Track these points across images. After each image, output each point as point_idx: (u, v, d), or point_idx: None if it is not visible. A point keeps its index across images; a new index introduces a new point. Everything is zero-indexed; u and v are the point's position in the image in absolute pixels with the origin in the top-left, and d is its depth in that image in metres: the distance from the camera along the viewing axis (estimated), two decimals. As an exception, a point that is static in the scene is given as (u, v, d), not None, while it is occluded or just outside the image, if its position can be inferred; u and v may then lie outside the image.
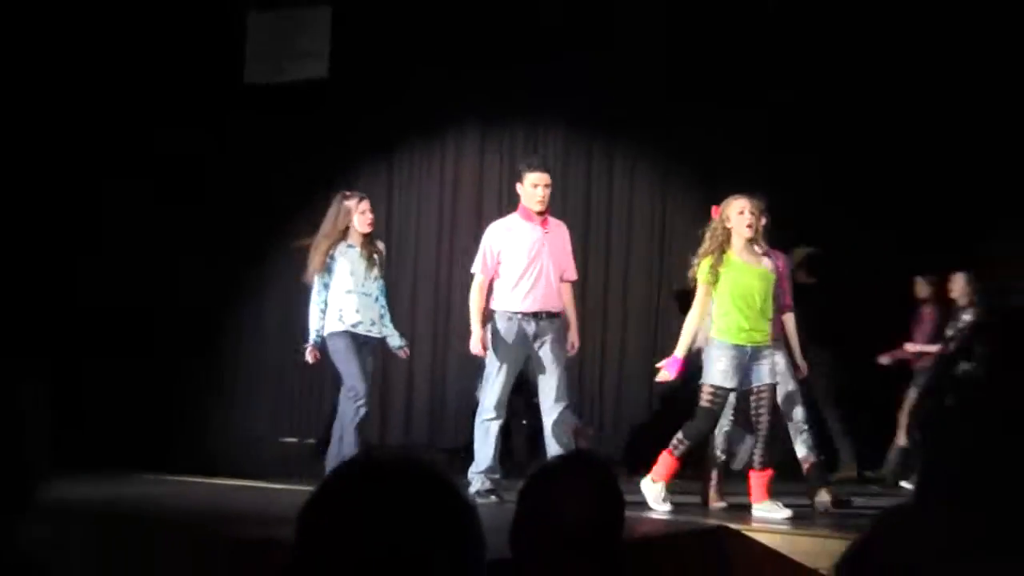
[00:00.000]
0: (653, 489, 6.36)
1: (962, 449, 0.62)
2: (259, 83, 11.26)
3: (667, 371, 6.35)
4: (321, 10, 11.08)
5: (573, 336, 6.84)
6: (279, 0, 11.22)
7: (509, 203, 10.41)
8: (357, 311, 7.07)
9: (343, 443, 6.92)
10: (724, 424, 6.68)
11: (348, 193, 7.53)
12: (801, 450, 6.57)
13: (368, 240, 7.27)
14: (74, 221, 10.54)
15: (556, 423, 6.65)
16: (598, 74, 9.83)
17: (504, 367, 6.65)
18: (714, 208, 6.51)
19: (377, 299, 7.22)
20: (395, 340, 7.33)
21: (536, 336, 6.63)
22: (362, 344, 7.11)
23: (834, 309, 7.96)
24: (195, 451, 9.40)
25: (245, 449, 9.68)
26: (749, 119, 9.16)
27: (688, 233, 9.84)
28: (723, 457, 6.83)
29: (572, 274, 6.86)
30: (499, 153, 10.72)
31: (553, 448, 6.56)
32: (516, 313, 6.65)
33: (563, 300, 6.76)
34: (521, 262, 6.68)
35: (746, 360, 6.26)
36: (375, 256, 7.25)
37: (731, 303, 6.26)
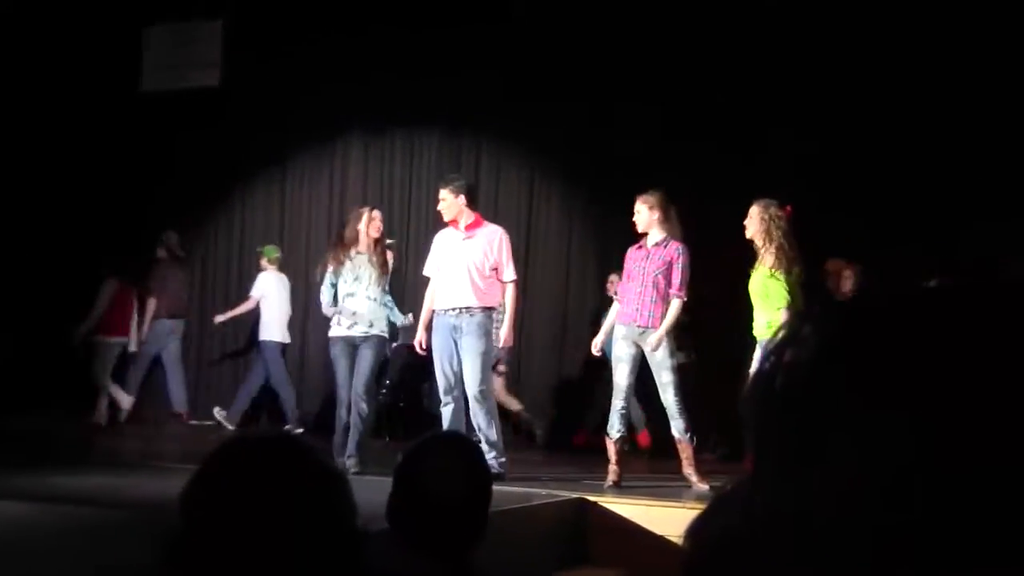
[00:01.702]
0: None
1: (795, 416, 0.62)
2: (155, 91, 11.03)
3: None
4: (213, 24, 10.91)
5: (505, 331, 6.92)
6: (173, 13, 10.97)
7: (399, 204, 10.51)
8: (354, 313, 7.05)
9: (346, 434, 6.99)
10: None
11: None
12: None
13: (378, 247, 7.23)
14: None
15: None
16: (470, 88, 9.87)
17: (436, 359, 6.80)
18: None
19: (382, 303, 7.18)
20: (398, 318, 7.39)
21: (455, 328, 6.69)
22: (361, 342, 7.05)
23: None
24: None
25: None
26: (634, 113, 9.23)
27: (554, 229, 10.05)
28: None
29: (505, 274, 6.83)
30: (380, 160, 10.73)
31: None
32: (441, 310, 6.77)
33: (494, 296, 6.81)
34: (444, 264, 6.84)
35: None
36: (384, 262, 7.27)
37: None
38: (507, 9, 9.71)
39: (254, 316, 9.88)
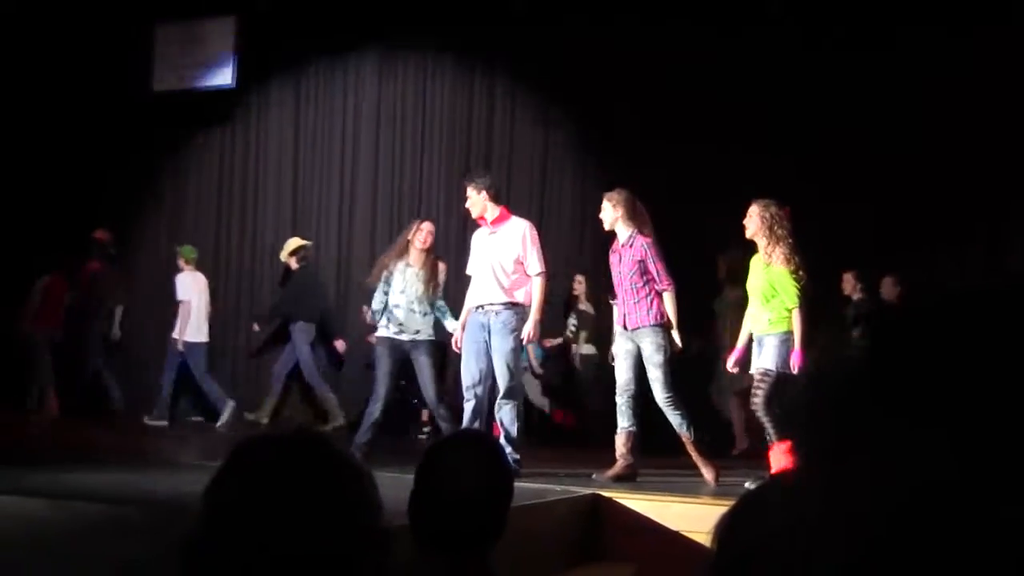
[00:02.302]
0: None
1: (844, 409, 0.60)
2: (167, 91, 11.04)
3: None
4: (225, 20, 10.90)
5: (531, 327, 6.71)
6: (185, 12, 10.97)
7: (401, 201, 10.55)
8: (401, 323, 7.14)
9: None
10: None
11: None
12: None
13: (427, 258, 7.27)
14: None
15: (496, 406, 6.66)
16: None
17: (464, 356, 6.76)
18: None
19: (426, 314, 7.22)
20: (450, 325, 7.36)
21: (482, 326, 6.63)
22: (410, 348, 7.14)
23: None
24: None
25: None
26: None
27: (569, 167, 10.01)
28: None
29: (532, 267, 6.74)
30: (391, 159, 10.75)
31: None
32: (472, 307, 6.74)
33: (521, 292, 6.71)
34: (474, 261, 6.85)
35: None
36: (433, 274, 7.33)
37: None
38: None
39: (174, 315, 9.87)
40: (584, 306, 9.84)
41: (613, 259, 6.71)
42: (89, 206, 10.75)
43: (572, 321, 9.85)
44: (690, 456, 6.53)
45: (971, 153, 8.35)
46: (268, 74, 11.00)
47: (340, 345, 9.99)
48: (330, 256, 10.76)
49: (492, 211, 6.77)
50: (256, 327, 10.18)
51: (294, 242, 10.03)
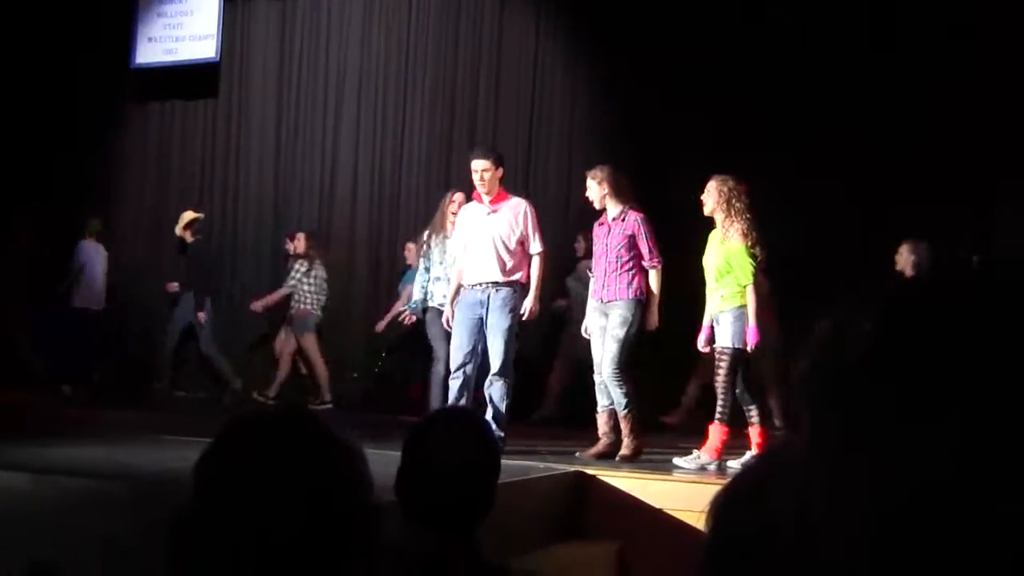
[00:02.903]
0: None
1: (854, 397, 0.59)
2: (149, 66, 10.94)
3: None
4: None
5: (531, 304, 6.66)
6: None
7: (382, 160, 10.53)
8: (444, 295, 7.13)
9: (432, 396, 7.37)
10: None
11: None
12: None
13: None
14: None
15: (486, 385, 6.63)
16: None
17: (456, 332, 6.69)
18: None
19: None
20: None
21: (481, 303, 6.59)
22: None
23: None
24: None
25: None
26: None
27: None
28: None
29: (532, 247, 6.70)
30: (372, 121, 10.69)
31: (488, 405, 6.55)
32: (467, 285, 6.67)
33: (520, 270, 6.66)
34: (471, 239, 6.70)
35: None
36: None
37: None
38: None
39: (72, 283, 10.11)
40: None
41: (600, 231, 6.65)
42: (65, 182, 10.71)
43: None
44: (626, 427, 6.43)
45: (965, 148, 8.32)
46: (251, 44, 10.94)
47: (201, 316, 10.01)
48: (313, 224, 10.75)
49: (495, 189, 6.71)
50: (201, 317, 9.99)
51: (188, 215, 10.16)
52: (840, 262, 8.09)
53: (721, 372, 6.19)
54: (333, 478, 1.29)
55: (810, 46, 8.70)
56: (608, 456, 6.48)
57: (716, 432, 6.20)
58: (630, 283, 6.49)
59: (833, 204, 8.58)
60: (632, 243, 6.50)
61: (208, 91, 11.03)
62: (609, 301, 6.51)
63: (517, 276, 6.64)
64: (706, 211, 6.33)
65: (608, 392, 6.49)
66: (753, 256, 6.17)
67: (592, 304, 6.64)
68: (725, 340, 6.19)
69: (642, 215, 6.54)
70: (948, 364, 0.57)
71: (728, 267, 6.21)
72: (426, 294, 7.53)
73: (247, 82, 11.05)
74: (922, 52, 8.40)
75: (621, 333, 6.40)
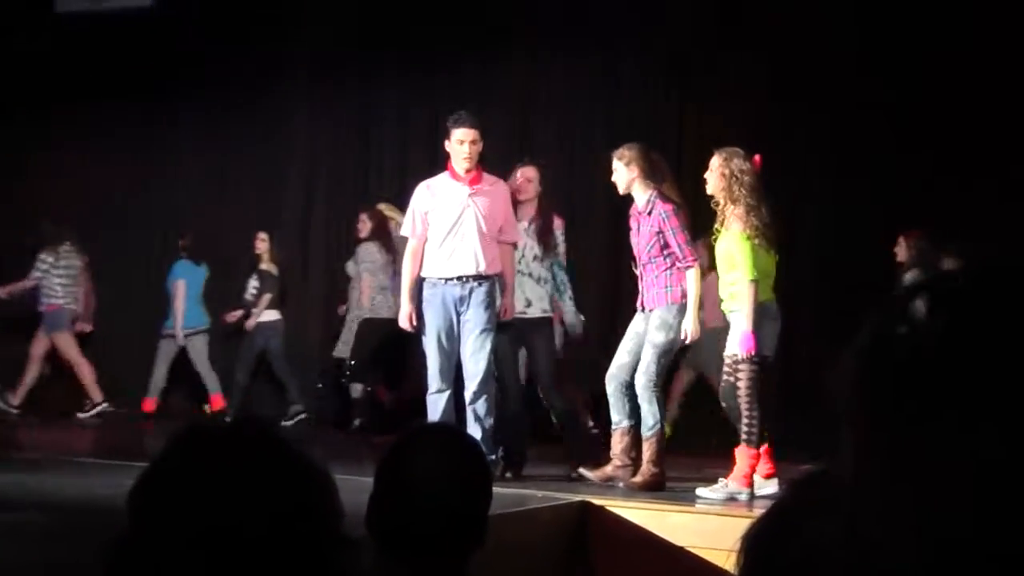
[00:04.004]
0: None
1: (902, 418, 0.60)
2: (74, 12, 10.92)
3: None
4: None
5: (506, 300, 6.72)
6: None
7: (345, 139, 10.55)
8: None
9: None
10: None
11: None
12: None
13: (538, 215, 7.07)
14: None
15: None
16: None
17: (432, 337, 6.58)
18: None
19: (542, 280, 7.06)
20: (569, 316, 7.35)
21: (461, 300, 6.57)
22: (526, 329, 7.00)
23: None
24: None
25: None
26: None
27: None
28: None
29: (511, 235, 6.76)
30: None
31: (471, 423, 6.47)
32: (440, 279, 6.59)
33: (497, 262, 6.67)
34: (445, 224, 6.60)
35: None
36: (547, 234, 7.07)
37: None
38: None
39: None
40: (267, 266, 10.20)
41: (632, 226, 6.63)
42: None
43: (253, 283, 10.20)
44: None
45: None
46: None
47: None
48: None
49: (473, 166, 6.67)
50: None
51: None
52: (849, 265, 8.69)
53: (741, 387, 6.18)
54: (296, 505, 1.29)
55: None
56: (615, 481, 6.48)
57: (743, 456, 6.20)
58: (668, 286, 6.45)
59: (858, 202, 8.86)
60: (663, 240, 6.44)
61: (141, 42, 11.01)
62: (651, 311, 6.50)
63: (497, 269, 6.64)
64: (708, 190, 6.35)
65: (624, 406, 6.49)
66: (754, 247, 6.16)
67: (637, 316, 6.62)
68: (737, 348, 6.20)
69: (670, 206, 6.44)
70: (1008, 362, 0.58)
71: (731, 258, 6.24)
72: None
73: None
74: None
75: (660, 338, 6.40)
